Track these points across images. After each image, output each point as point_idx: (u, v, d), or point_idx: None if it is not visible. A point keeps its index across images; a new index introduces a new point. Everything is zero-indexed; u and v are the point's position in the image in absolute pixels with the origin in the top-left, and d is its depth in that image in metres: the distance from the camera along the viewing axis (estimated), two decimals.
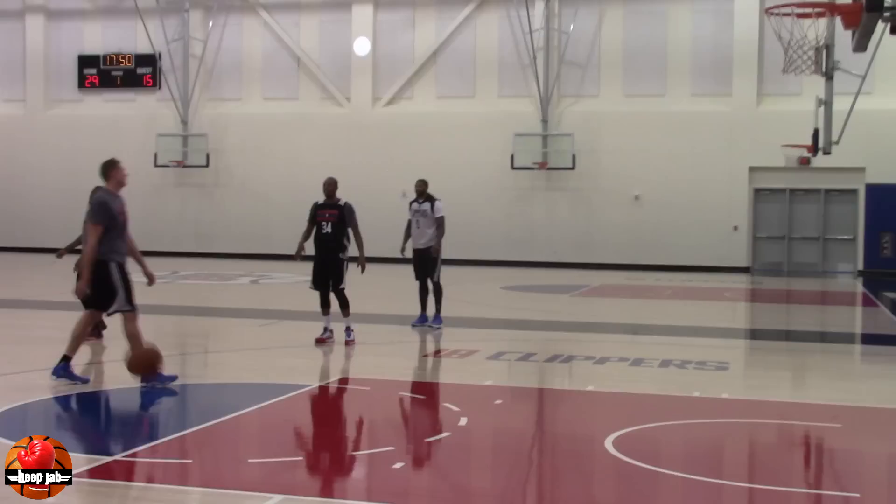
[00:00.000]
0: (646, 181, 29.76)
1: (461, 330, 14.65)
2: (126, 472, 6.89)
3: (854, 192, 28.86)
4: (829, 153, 21.04)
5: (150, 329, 15.17)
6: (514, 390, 10.58)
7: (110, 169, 10.34)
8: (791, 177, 29.00)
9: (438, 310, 14.80)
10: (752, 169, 29.26)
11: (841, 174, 28.34)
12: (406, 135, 31.24)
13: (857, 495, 6.71)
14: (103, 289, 9.94)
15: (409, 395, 10.09)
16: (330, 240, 12.83)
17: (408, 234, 14.87)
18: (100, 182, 10.56)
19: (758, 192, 29.53)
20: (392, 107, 31.91)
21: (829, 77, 20.10)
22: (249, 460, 7.50)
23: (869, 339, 16.02)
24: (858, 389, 10.86)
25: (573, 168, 30.05)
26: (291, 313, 16.64)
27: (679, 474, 7.04)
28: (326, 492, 6.49)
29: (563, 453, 8.07)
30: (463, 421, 8.65)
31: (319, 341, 12.79)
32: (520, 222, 30.60)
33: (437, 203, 14.64)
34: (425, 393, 10.07)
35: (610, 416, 9.12)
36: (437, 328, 14.54)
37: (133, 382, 10.17)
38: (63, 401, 9.48)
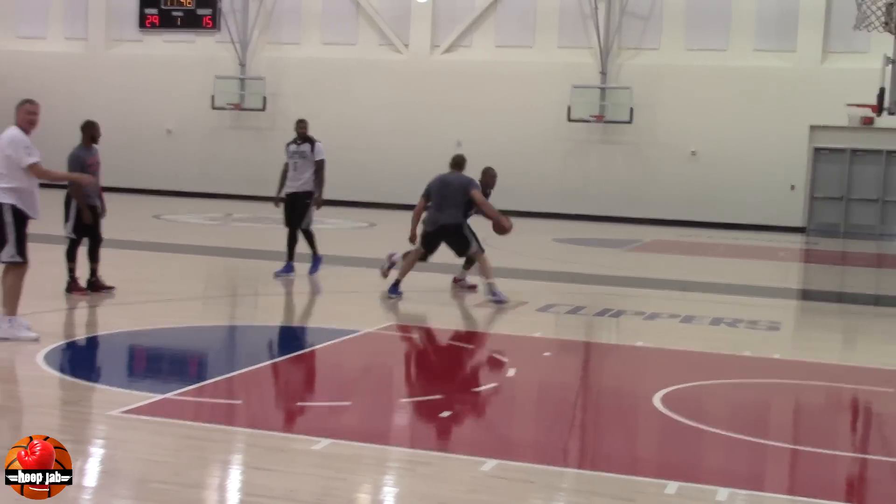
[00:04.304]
0: (703, 137, 29.38)
1: (511, 281, 14.60)
2: (177, 410, 6.97)
3: None
4: (894, 113, 20.58)
5: (203, 270, 15.34)
6: (563, 343, 10.56)
7: None
8: (852, 137, 28.47)
9: (315, 252, 14.13)
10: (812, 128, 28.75)
11: None
12: (463, 83, 31.04)
13: None
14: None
15: (457, 344, 10.10)
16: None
17: (283, 180, 14.18)
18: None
19: (817, 152, 29.03)
20: (450, 54, 31.71)
21: None
22: (298, 403, 7.57)
23: None
24: None
25: (630, 122, 29.73)
26: (342, 258, 16.70)
27: (727, 434, 6.99)
28: (373, 437, 6.53)
29: (610, 408, 8.06)
30: (511, 372, 8.65)
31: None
32: (574, 175, 30.39)
33: (317, 145, 14.08)
34: (474, 343, 10.08)
35: (659, 372, 9.07)
36: (315, 272, 13.98)
37: (180, 323, 10.32)
38: (113, 339, 9.62)
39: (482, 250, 12.71)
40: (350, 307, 11.86)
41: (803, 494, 5.82)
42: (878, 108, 20.93)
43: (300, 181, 14.03)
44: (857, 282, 18.59)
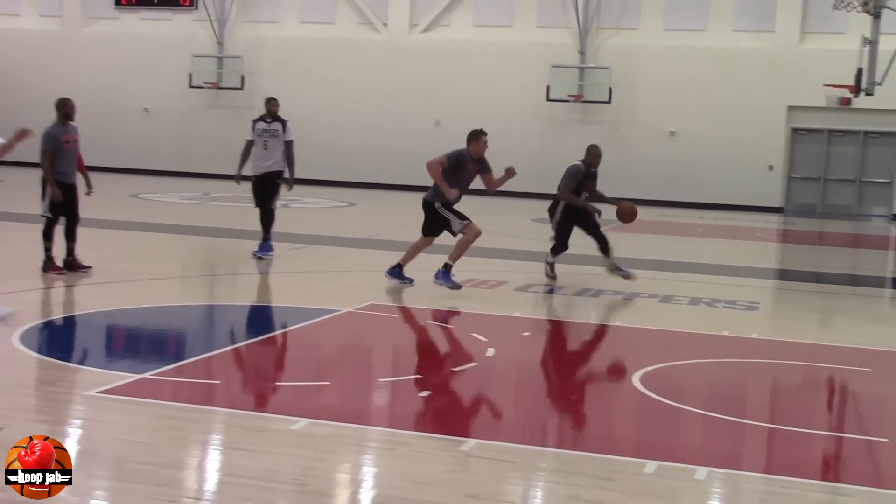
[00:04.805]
0: (682, 117, 29.42)
1: (490, 261, 14.61)
2: (155, 390, 6.94)
3: (894, 134, 28.40)
4: (871, 94, 20.70)
5: (180, 249, 15.26)
6: (542, 323, 10.57)
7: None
8: (830, 117, 28.57)
9: (268, 237, 13.93)
10: (790, 108, 28.83)
11: (882, 116, 27.84)
12: (442, 62, 30.95)
13: (886, 440, 6.66)
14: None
15: (437, 324, 10.10)
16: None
17: (245, 157, 14.05)
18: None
19: (795, 132, 29.13)
20: (429, 33, 31.58)
21: (876, 15, 19.68)
22: (277, 383, 7.54)
23: None
24: (890, 334, 10.78)
25: (609, 102, 29.72)
26: (322, 238, 16.65)
27: (706, 413, 7.02)
28: (352, 417, 6.52)
29: (589, 387, 8.07)
30: (490, 351, 8.64)
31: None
32: (553, 155, 30.28)
33: (288, 124, 13.93)
34: (453, 322, 10.07)
35: (638, 352, 9.09)
36: (266, 256, 13.70)
37: (158, 303, 10.27)
38: (91, 319, 9.56)
39: (469, 227, 11.66)
40: (330, 286, 11.82)
41: (781, 473, 5.84)
42: (856, 89, 21.07)
43: (271, 160, 13.87)
44: (834, 262, 18.68)
